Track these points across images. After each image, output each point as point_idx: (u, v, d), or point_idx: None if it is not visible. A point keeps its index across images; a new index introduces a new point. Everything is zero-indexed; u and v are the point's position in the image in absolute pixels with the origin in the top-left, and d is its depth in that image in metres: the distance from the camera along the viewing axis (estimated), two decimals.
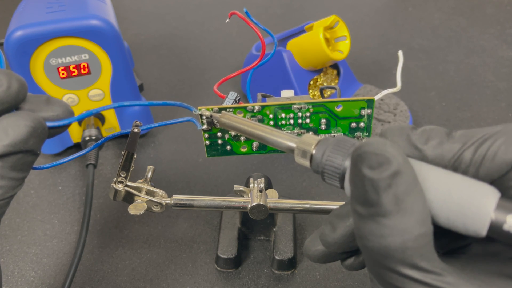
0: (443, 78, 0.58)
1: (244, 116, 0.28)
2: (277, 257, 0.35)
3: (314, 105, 0.28)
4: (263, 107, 0.28)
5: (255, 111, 0.28)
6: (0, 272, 0.24)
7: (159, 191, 0.31)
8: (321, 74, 0.49)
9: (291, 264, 0.36)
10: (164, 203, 0.30)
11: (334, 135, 0.29)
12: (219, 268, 0.36)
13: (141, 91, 0.52)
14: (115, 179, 0.29)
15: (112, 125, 0.47)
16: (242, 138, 0.29)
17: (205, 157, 0.31)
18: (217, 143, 0.30)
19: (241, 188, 0.32)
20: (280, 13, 0.76)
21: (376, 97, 0.28)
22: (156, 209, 0.31)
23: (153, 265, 0.37)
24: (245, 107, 0.28)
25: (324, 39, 0.44)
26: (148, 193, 0.30)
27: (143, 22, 0.75)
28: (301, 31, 0.49)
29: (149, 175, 0.31)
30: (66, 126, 0.22)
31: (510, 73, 0.59)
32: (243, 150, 0.30)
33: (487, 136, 0.16)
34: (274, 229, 0.37)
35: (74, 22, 0.39)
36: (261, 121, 0.29)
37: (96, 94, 0.44)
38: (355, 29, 0.68)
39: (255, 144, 0.30)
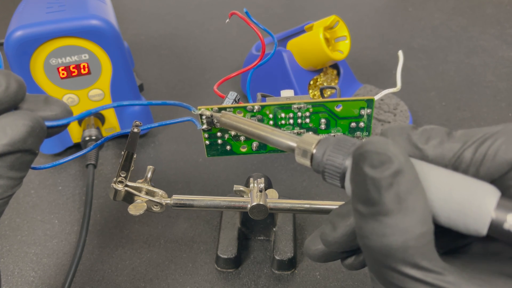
0: (443, 78, 0.58)
1: (244, 116, 0.28)
2: (277, 257, 0.35)
3: (314, 105, 0.28)
4: (262, 107, 0.28)
5: (254, 111, 0.28)
6: None
7: (159, 191, 0.31)
8: (321, 74, 0.49)
9: (291, 264, 0.36)
10: (164, 203, 0.30)
11: (334, 135, 0.29)
12: (219, 268, 0.36)
13: (141, 91, 0.52)
14: (115, 179, 0.29)
15: (112, 125, 0.47)
16: (242, 138, 0.29)
17: (205, 157, 0.31)
18: (217, 143, 0.30)
19: (241, 188, 0.32)
20: (280, 13, 0.76)
21: (376, 97, 0.28)
22: (156, 209, 0.31)
23: (153, 265, 0.37)
24: (245, 107, 0.28)
25: (324, 39, 0.44)
26: (148, 193, 0.31)
27: (143, 22, 0.75)
28: (301, 31, 0.49)
29: (149, 175, 0.31)
30: (65, 125, 0.22)
31: (510, 73, 0.59)
32: (243, 150, 0.30)
33: (488, 136, 0.16)
34: (274, 229, 0.37)
35: (74, 22, 0.39)
36: (261, 121, 0.29)
37: (96, 94, 0.44)
38: (355, 29, 0.68)
39: (255, 144, 0.30)
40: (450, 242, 0.19)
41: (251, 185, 0.32)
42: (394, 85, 0.31)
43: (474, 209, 0.15)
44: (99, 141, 0.28)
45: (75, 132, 0.46)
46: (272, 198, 0.32)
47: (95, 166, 0.41)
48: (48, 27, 0.39)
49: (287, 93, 0.30)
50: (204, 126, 0.28)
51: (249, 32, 0.66)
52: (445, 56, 0.63)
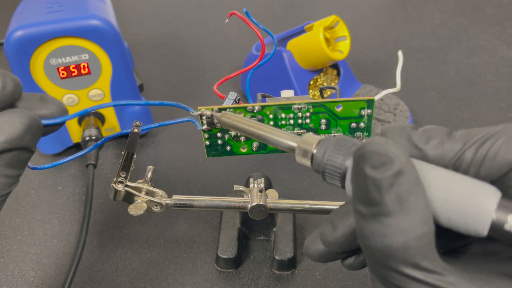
0: (443, 78, 0.58)
1: (244, 116, 0.28)
2: (277, 257, 0.35)
3: (314, 105, 0.28)
4: (263, 107, 0.28)
5: (255, 111, 0.28)
6: None
7: (159, 191, 0.31)
8: (321, 74, 0.49)
9: (291, 264, 0.36)
10: (164, 203, 0.30)
11: (335, 135, 0.29)
12: (219, 268, 0.36)
13: (141, 91, 0.52)
14: (115, 179, 0.29)
15: (112, 125, 0.47)
16: (242, 138, 0.29)
17: (205, 157, 0.31)
18: (217, 143, 0.30)
19: (241, 188, 0.32)
20: (280, 13, 0.76)
21: (376, 97, 0.28)
22: (156, 209, 0.31)
23: (153, 265, 0.37)
24: (245, 107, 0.28)
25: (324, 39, 0.44)
26: (148, 193, 0.30)
27: (143, 22, 0.75)
28: (301, 31, 0.49)
29: (149, 175, 0.31)
30: (61, 124, 0.22)
31: (510, 73, 0.59)
32: (243, 151, 0.30)
33: (488, 136, 0.16)
34: (274, 229, 0.37)
35: (74, 22, 0.39)
36: (261, 121, 0.29)
37: (96, 94, 0.44)
38: (355, 29, 0.68)
39: (255, 144, 0.30)
40: (450, 242, 0.19)
41: (251, 185, 0.32)
42: (394, 85, 0.31)
43: (474, 209, 0.15)
44: (99, 141, 0.28)
45: (75, 132, 0.46)
46: (272, 198, 0.32)
47: (95, 166, 0.41)
48: (48, 27, 0.39)
49: (287, 93, 0.30)
50: (204, 127, 0.28)
51: (249, 32, 0.66)
52: (445, 56, 0.63)
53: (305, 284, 0.35)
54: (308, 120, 0.29)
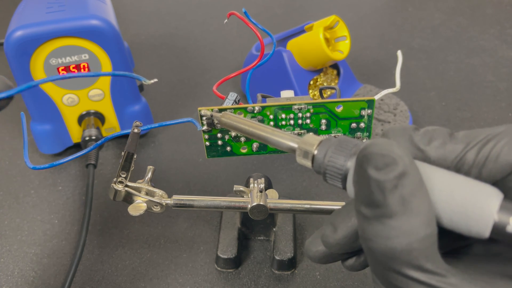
0: (443, 78, 0.58)
1: (244, 117, 0.28)
2: (277, 257, 0.35)
3: (314, 105, 0.28)
4: (263, 107, 0.28)
5: (255, 111, 0.28)
6: None
7: (159, 191, 0.31)
8: (321, 74, 0.49)
9: (291, 264, 0.36)
10: (164, 203, 0.30)
11: (335, 136, 0.29)
12: (219, 268, 0.36)
13: (141, 91, 0.52)
14: (115, 179, 0.29)
15: (112, 125, 0.47)
16: (242, 139, 0.29)
17: (205, 157, 0.31)
18: (217, 144, 0.30)
19: (241, 188, 0.32)
20: (280, 13, 0.76)
21: (376, 97, 0.28)
22: (156, 209, 0.31)
23: (153, 265, 0.37)
24: (245, 108, 0.28)
25: (324, 39, 0.44)
26: (148, 193, 0.31)
27: (143, 22, 0.75)
28: (301, 31, 0.49)
29: (149, 175, 0.31)
30: (6, 99, 0.22)
31: (510, 73, 0.59)
32: (243, 151, 0.30)
33: (490, 137, 0.16)
34: (274, 229, 0.37)
35: (74, 22, 0.39)
36: (261, 122, 0.29)
37: (96, 94, 0.44)
38: (355, 29, 0.68)
39: (255, 145, 0.30)
40: (451, 243, 0.19)
41: (251, 185, 0.32)
42: (394, 85, 0.31)
43: (476, 211, 0.15)
44: (99, 141, 0.28)
45: (75, 132, 0.46)
46: (272, 198, 0.32)
47: (95, 166, 0.41)
48: (48, 27, 0.39)
49: (287, 94, 0.30)
50: (204, 127, 0.28)
51: (249, 32, 0.66)
52: (445, 56, 0.63)
53: (305, 284, 0.35)
54: (308, 121, 0.29)
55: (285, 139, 0.21)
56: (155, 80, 0.25)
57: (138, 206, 0.30)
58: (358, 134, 0.29)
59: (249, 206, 0.30)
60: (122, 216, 0.41)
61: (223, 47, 0.67)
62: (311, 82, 0.49)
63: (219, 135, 0.29)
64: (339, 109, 0.28)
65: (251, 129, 0.23)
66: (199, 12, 0.77)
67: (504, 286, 0.15)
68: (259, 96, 0.30)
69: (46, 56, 0.40)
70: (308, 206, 0.31)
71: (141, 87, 0.52)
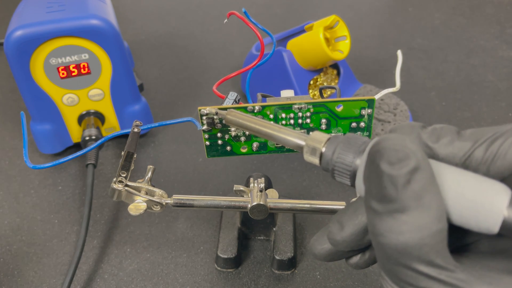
0: (443, 78, 0.58)
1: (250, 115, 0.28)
2: (277, 257, 0.35)
3: (314, 105, 0.28)
4: (263, 107, 0.28)
5: (255, 111, 0.28)
6: None
7: (159, 191, 0.30)
8: (321, 74, 0.49)
9: (291, 264, 0.36)
10: (164, 203, 0.30)
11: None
12: (219, 268, 0.36)
13: (141, 91, 0.52)
14: (115, 179, 0.29)
15: (112, 125, 0.47)
16: (242, 139, 0.29)
17: (205, 157, 0.31)
18: (217, 143, 0.30)
19: (241, 188, 0.32)
20: (280, 13, 0.76)
21: (376, 97, 0.28)
22: (156, 209, 0.31)
23: (153, 265, 0.37)
24: (245, 107, 0.28)
25: (324, 39, 0.44)
26: (148, 193, 0.30)
27: (143, 22, 0.75)
28: (301, 31, 0.49)
29: (149, 175, 0.31)
30: None
31: (510, 73, 0.59)
32: (243, 151, 0.30)
33: (498, 135, 0.17)
34: (274, 229, 0.37)
35: (74, 22, 0.39)
36: None
37: (96, 94, 0.44)
38: (355, 29, 0.68)
39: (255, 145, 0.30)
40: (456, 240, 0.19)
41: (251, 185, 0.32)
42: (394, 85, 0.31)
43: (486, 207, 0.15)
44: (99, 141, 0.28)
45: (75, 132, 0.46)
46: (272, 198, 0.32)
47: (95, 166, 0.41)
48: (48, 27, 0.39)
49: (287, 93, 0.30)
50: (205, 127, 0.28)
51: (249, 32, 0.66)
52: (445, 56, 0.63)
53: (305, 284, 0.35)
54: (308, 120, 0.29)
55: (292, 136, 0.21)
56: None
57: (138, 205, 0.30)
58: (359, 133, 0.29)
59: (249, 205, 0.30)
60: (122, 215, 0.41)
61: (223, 47, 0.67)
62: (311, 82, 0.49)
63: (219, 134, 0.29)
64: (339, 109, 0.28)
65: (257, 126, 0.23)
66: (199, 12, 0.77)
67: (510, 282, 0.15)
68: (259, 95, 0.29)
69: (46, 56, 0.40)
70: (308, 206, 0.31)
71: (141, 87, 0.52)
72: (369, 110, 0.28)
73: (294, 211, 0.31)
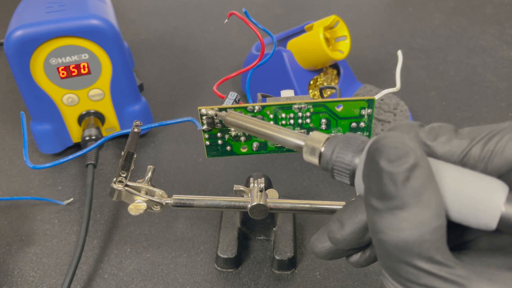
0: (443, 78, 0.58)
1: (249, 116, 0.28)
2: (277, 257, 0.35)
3: (314, 105, 0.28)
4: (263, 107, 0.28)
5: (255, 111, 0.28)
6: None
7: (159, 191, 0.30)
8: (321, 74, 0.49)
9: (291, 264, 0.36)
10: (164, 203, 0.30)
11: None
12: (219, 268, 0.36)
13: (141, 91, 0.52)
14: (115, 178, 0.29)
15: (112, 125, 0.47)
16: (242, 138, 0.29)
17: (205, 157, 0.31)
18: (217, 143, 0.30)
19: (241, 188, 0.32)
20: (280, 13, 0.76)
21: (376, 97, 0.28)
22: (156, 209, 0.31)
23: (153, 265, 0.37)
24: (245, 107, 0.28)
25: (324, 39, 0.44)
26: (148, 193, 0.30)
27: (143, 22, 0.75)
28: (301, 31, 0.49)
29: (149, 175, 0.31)
30: None
31: (510, 73, 0.59)
32: (243, 151, 0.30)
33: (494, 133, 0.17)
34: (274, 229, 0.37)
35: (74, 22, 0.39)
36: None
37: (96, 94, 0.44)
38: (355, 29, 0.68)
39: (255, 144, 0.30)
40: (456, 237, 0.19)
41: (251, 185, 0.32)
42: (394, 85, 0.31)
43: (485, 203, 0.15)
44: (99, 141, 0.28)
45: (75, 132, 0.46)
46: (272, 198, 0.32)
47: (95, 166, 0.41)
48: (48, 27, 0.39)
49: (287, 93, 0.30)
50: (205, 127, 0.28)
51: (249, 32, 0.66)
52: (445, 56, 0.63)
53: (305, 284, 0.35)
54: (308, 120, 0.29)
55: (292, 136, 0.21)
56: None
57: (138, 205, 0.30)
58: (358, 133, 0.29)
59: (249, 205, 0.30)
60: (122, 215, 0.41)
61: (223, 47, 0.67)
62: (311, 82, 0.49)
63: (219, 134, 0.29)
64: (339, 109, 0.28)
65: (256, 127, 0.23)
66: (199, 12, 0.77)
67: (510, 278, 0.15)
68: (259, 95, 0.29)
69: (46, 56, 0.40)
70: (308, 205, 0.31)
71: (141, 87, 0.52)
72: (369, 110, 0.28)
73: (294, 211, 0.31)
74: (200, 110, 0.28)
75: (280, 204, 0.31)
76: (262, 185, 0.31)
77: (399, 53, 0.32)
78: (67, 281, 0.34)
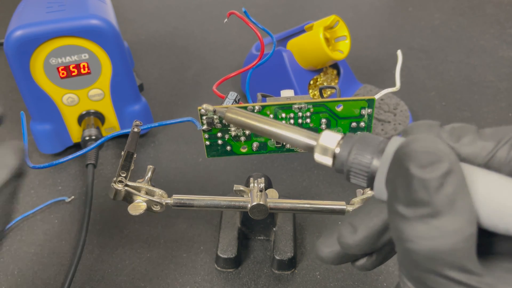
0: (443, 78, 0.58)
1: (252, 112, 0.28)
2: (277, 257, 0.35)
3: (314, 105, 0.28)
4: (263, 107, 0.28)
5: (255, 111, 0.28)
6: None
7: (159, 191, 0.30)
8: (321, 74, 0.49)
9: (291, 264, 0.36)
10: (164, 203, 0.30)
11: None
12: (219, 268, 0.36)
13: (141, 91, 0.52)
14: (115, 178, 0.29)
15: (112, 125, 0.47)
16: (242, 138, 0.29)
17: (205, 157, 0.31)
18: (217, 143, 0.30)
19: (241, 187, 0.32)
20: (280, 13, 0.76)
21: (376, 97, 0.28)
22: (156, 208, 0.31)
23: (153, 265, 0.37)
24: (245, 107, 0.28)
25: (324, 39, 0.44)
26: (148, 192, 0.30)
27: (143, 22, 0.75)
28: (301, 31, 0.49)
29: (149, 174, 0.31)
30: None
31: (510, 73, 0.59)
32: (243, 151, 0.30)
33: None
34: (274, 229, 0.37)
35: (74, 21, 0.39)
36: None
37: (96, 94, 0.44)
38: (355, 29, 0.67)
39: (255, 144, 0.30)
40: (482, 243, 0.18)
41: (251, 185, 0.32)
42: (394, 85, 0.31)
43: None
44: (99, 141, 0.28)
45: (75, 132, 0.46)
46: (272, 198, 0.32)
47: (95, 166, 0.41)
48: (48, 27, 0.39)
49: (287, 93, 0.30)
50: (204, 127, 0.28)
51: (249, 32, 0.66)
52: (445, 56, 0.63)
53: (305, 284, 0.35)
54: (308, 120, 0.29)
55: (302, 135, 0.20)
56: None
57: (138, 205, 0.30)
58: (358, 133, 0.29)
59: (249, 205, 0.30)
60: (122, 215, 0.41)
61: (223, 47, 0.67)
62: (311, 82, 0.49)
63: (219, 134, 0.29)
64: (339, 109, 0.28)
65: (261, 124, 0.21)
66: (199, 12, 0.77)
67: None
68: (259, 95, 0.29)
69: (46, 55, 0.40)
70: (308, 205, 0.31)
71: (141, 87, 0.52)
72: (369, 110, 0.28)
73: (294, 211, 0.31)
74: (200, 110, 0.28)
75: (280, 204, 0.31)
76: (262, 185, 0.31)
77: (399, 53, 0.32)
78: (67, 281, 0.34)
